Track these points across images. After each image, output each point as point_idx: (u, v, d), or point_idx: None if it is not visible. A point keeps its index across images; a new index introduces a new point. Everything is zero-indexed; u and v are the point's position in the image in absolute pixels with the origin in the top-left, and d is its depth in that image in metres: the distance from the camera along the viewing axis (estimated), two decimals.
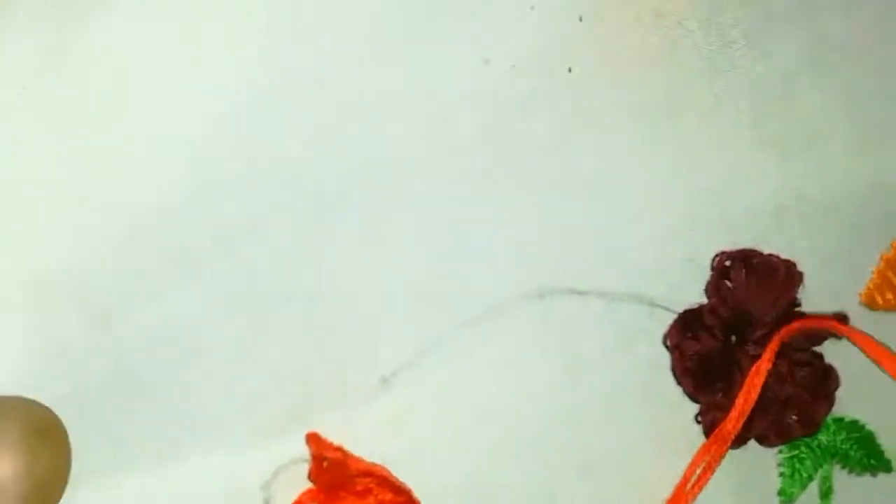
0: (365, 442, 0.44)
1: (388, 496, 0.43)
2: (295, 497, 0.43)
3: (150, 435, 0.42)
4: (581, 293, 0.47)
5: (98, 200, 0.43)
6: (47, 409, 0.41)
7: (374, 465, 0.43)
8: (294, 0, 0.46)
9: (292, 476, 0.43)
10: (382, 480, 0.42)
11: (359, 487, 0.42)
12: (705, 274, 0.47)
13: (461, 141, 0.45)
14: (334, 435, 0.44)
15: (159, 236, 0.44)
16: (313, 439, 0.43)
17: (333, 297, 0.44)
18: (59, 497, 0.40)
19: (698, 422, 0.47)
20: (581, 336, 0.47)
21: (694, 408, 0.47)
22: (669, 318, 0.47)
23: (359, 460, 0.43)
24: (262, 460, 0.43)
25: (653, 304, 0.47)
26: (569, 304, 0.47)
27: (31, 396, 0.41)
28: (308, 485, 0.43)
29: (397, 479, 0.43)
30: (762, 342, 0.46)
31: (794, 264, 0.47)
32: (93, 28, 0.44)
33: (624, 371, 0.47)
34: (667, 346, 0.47)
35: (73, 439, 0.41)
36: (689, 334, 0.47)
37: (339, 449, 0.43)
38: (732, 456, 0.46)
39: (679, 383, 0.47)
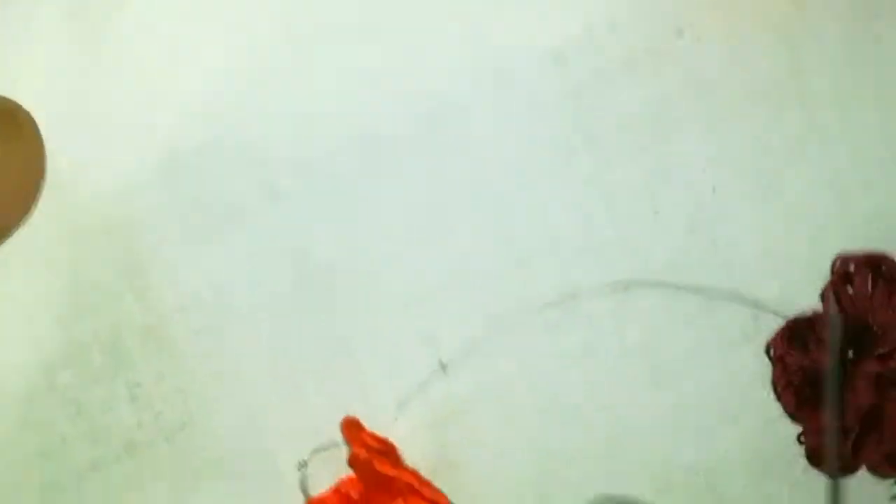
0: (419, 429, 0.40)
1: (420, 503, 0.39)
2: (333, 481, 0.40)
3: (179, 400, 0.40)
4: (673, 287, 0.41)
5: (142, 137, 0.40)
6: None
7: (403, 470, 0.39)
8: None
9: (332, 458, 0.40)
10: (410, 487, 0.38)
11: (392, 488, 0.39)
12: (823, 277, 0.41)
13: (542, 109, 0.40)
14: (384, 420, 0.40)
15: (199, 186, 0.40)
16: (348, 427, 0.39)
17: (392, 273, 0.40)
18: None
19: (800, 443, 0.41)
20: (669, 335, 0.41)
21: (794, 428, 0.41)
22: (776, 325, 0.41)
23: (386, 463, 0.39)
24: (301, 438, 0.40)
25: (757, 307, 0.41)
26: (658, 298, 0.41)
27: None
28: (348, 470, 0.40)
29: (429, 487, 0.39)
30: (887, 361, 0.40)
31: None
32: None
33: (716, 379, 0.41)
34: (770, 357, 0.41)
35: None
36: (798, 345, 0.41)
37: (370, 442, 0.39)
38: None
39: (779, 399, 0.41)
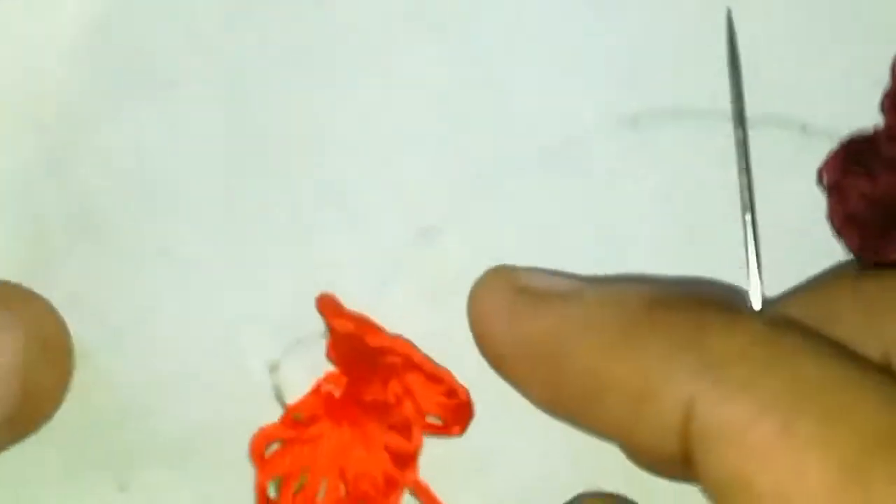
0: (407, 307, 0.34)
1: (418, 380, 0.32)
2: (312, 381, 0.34)
3: (124, 299, 0.34)
4: (696, 115, 0.34)
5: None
6: (53, 313, 0.33)
7: (398, 339, 0.33)
8: None
9: (308, 354, 0.34)
10: (408, 361, 0.32)
11: (381, 369, 0.33)
12: (882, 87, 0.33)
13: None
14: (361, 301, 0.34)
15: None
16: (325, 304, 0.33)
17: (361, 126, 0.34)
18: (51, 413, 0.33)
19: None
20: (696, 169, 0.34)
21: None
22: (827, 148, 0.34)
23: (379, 334, 0.32)
24: (269, 334, 0.34)
25: (805, 130, 0.34)
26: (677, 129, 0.34)
27: None
28: (327, 366, 0.34)
29: (429, 359, 0.33)
30: None
31: None
32: None
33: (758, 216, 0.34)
34: (822, 186, 0.34)
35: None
36: (858, 169, 0.33)
37: (354, 318, 0.33)
38: None
39: (840, 236, 0.34)
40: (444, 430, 0.33)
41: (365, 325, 0.33)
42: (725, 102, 0.33)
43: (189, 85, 0.34)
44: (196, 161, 0.34)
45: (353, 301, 0.33)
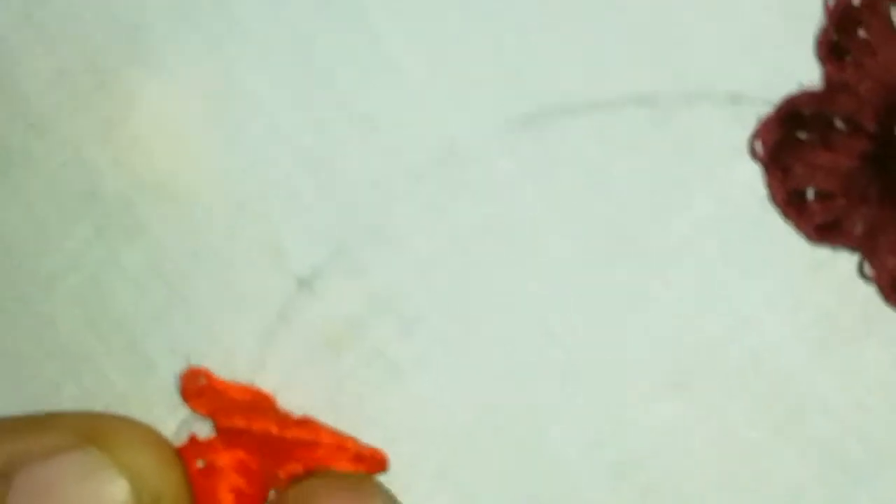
0: (297, 367, 0.30)
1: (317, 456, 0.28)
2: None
3: None
4: (591, 106, 0.29)
5: None
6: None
7: (286, 423, 0.28)
8: None
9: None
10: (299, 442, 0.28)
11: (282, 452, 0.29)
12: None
13: None
14: (248, 369, 0.30)
15: None
16: (187, 382, 0.29)
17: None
18: None
19: (864, 276, 0.28)
20: (602, 162, 0.29)
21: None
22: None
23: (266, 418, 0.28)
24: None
25: (735, 100, 0.28)
26: (575, 124, 0.29)
27: None
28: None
29: (327, 431, 0.28)
30: None
31: None
32: None
33: (680, 205, 0.29)
34: (758, 160, 0.28)
35: None
36: (805, 134, 0.27)
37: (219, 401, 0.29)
38: None
39: (787, 218, 0.28)
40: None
41: (244, 402, 0.29)
42: (619, 89, 0.27)
43: None
44: None
45: (234, 363, 0.30)
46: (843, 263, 0.28)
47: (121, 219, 0.30)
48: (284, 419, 0.29)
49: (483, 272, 0.29)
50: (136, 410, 0.30)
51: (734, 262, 0.29)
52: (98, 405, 0.30)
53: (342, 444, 0.29)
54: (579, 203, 0.29)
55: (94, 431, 0.28)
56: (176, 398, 0.30)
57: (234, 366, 0.30)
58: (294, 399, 0.30)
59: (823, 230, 0.27)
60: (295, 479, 0.29)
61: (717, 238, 0.29)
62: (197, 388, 0.29)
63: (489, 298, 0.29)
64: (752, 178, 0.28)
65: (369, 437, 0.30)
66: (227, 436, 0.29)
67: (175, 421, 0.30)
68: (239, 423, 0.28)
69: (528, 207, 0.29)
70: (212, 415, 0.28)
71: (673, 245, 0.29)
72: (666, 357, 0.29)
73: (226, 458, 0.29)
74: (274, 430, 0.28)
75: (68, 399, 0.30)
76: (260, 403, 0.29)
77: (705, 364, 0.29)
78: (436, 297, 0.29)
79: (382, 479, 0.29)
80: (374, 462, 0.29)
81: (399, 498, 0.30)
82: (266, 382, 0.30)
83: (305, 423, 0.29)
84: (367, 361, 0.30)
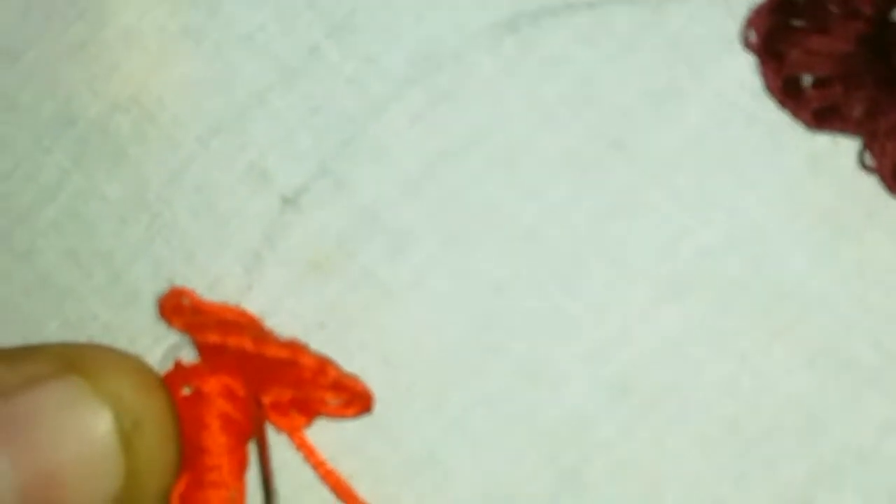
0: (285, 290, 0.29)
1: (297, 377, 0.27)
2: None
3: None
4: (576, 7, 0.28)
5: None
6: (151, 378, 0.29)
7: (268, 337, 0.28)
8: None
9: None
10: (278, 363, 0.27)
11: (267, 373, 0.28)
12: None
13: None
14: (235, 292, 0.29)
15: None
16: (167, 302, 0.28)
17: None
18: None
19: (865, 167, 0.27)
20: (593, 65, 0.28)
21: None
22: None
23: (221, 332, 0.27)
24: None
25: None
26: (561, 23, 0.28)
27: None
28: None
29: (308, 353, 0.27)
30: None
31: None
32: None
33: (673, 109, 0.28)
34: (750, 49, 0.27)
35: None
36: (799, 20, 0.27)
37: (214, 318, 0.28)
38: None
39: (784, 108, 0.27)
40: (338, 413, 0.28)
41: (231, 323, 0.28)
42: None
43: None
44: None
45: (221, 289, 0.29)
46: (842, 160, 0.27)
47: (99, 145, 0.29)
48: (264, 338, 0.28)
49: (473, 184, 0.28)
50: (120, 341, 0.29)
51: (731, 167, 0.28)
52: (82, 338, 0.30)
53: (323, 368, 0.28)
54: (569, 109, 0.28)
55: (74, 360, 0.27)
56: (161, 328, 0.29)
57: (220, 292, 0.29)
58: (282, 324, 0.29)
59: (822, 116, 0.26)
60: (281, 408, 0.28)
61: (713, 142, 0.28)
62: (176, 305, 0.28)
63: (480, 212, 0.28)
64: (745, 73, 0.27)
65: (361, 362, 0.29)
66: (211, 360, 0.28)
67: (160, 350, 0.29)
68: (214, 338, 0.27)
69: (516, 115, 0.28)
70: (188, 331, 0.27)
71: (667, 151, 0.28)
72: (665, 266, 0.28)
73: (212, 384, 0.28)
74: (250, 346, 0.27)
75: (52, 335, 0.30)
76: (243, 323, 0.28)
77: (705, 273, 0.28)
78: (425, 212, 0.28)
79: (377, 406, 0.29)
80: (356, 394, 0.28)
81: (393, 424, 0.29)
82: (253, 308, 0.29)
83: (287, 344, 0.28)
84: (356, 283, 0.29)
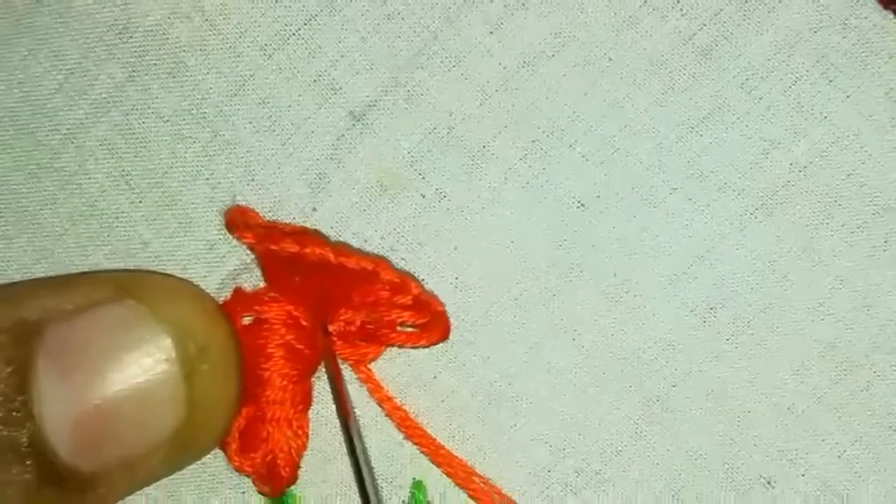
0: (350, 213, 0.27)
1: (372, 293, 0.25)
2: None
3: None
4: None
5: None
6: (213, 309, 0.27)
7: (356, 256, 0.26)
8: None
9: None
10: (365, 276, 0.25)
11: (334, 290, 0.26)
12: None
13: None
14: (300, 213, 0.27)
15: None
16: (234, 219, 0.26)
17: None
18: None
19: None
20: None
21: None
22: None
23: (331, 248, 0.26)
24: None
25: None
26: None
27: None
28: None
29: (389, 268, 0.26)
30: None
31: None
32: None
33: (764, 13, 0.26)
34: None
35: None
36: None
37: (278, 230, 0.26)
38: None
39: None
40: (412, 341, 0.26)
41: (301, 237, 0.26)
42: None
43: None
44: None
45: (283, 210, 0.27)
46: None
47: (155, 56, 0.27)
48: (342, 248, 0.26)
49: (552, 95, 0.27)
50: (172, 271, 0.27)
51: (824, 75, 0.27)
52: (130, 267, 0.28)
53: (405, 283, 0.26)
54: (654, 15, 0.27)
55: (131, 285, 0.25)
56: (216, 255, 0.27)
57: (282, 214, 0.27)
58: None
59: None
60: (348, 337, 0.27)
61: (805, 48, 0.26)
62: (244, 221, 0.26)
63: (560, 124, 0.27)
64: None
65: (432, 288, 0.27)
66: (276, 284, 0.26)
67: (216, 278, 0.27)
68: (290, 247, 0.25)
69: (597, 22, 0.27)
70: (261, 244, 0.26)
71: (757, 59, 0.27)
72: (755, 180, 0.27)
73: (275, 311, 0.26)
74: (331, 256, 0.25)
75: (98, 264, 0.28)
76: (313, 234, 0.26)
77: (798, 187, 0.27)
78: (502, 125, 0.27)
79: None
80: (435, 316, 0.26)
81: (466, 354, 0.27)
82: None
83: (370, 257, 0.26)
84: (427, 204, 0.27)
